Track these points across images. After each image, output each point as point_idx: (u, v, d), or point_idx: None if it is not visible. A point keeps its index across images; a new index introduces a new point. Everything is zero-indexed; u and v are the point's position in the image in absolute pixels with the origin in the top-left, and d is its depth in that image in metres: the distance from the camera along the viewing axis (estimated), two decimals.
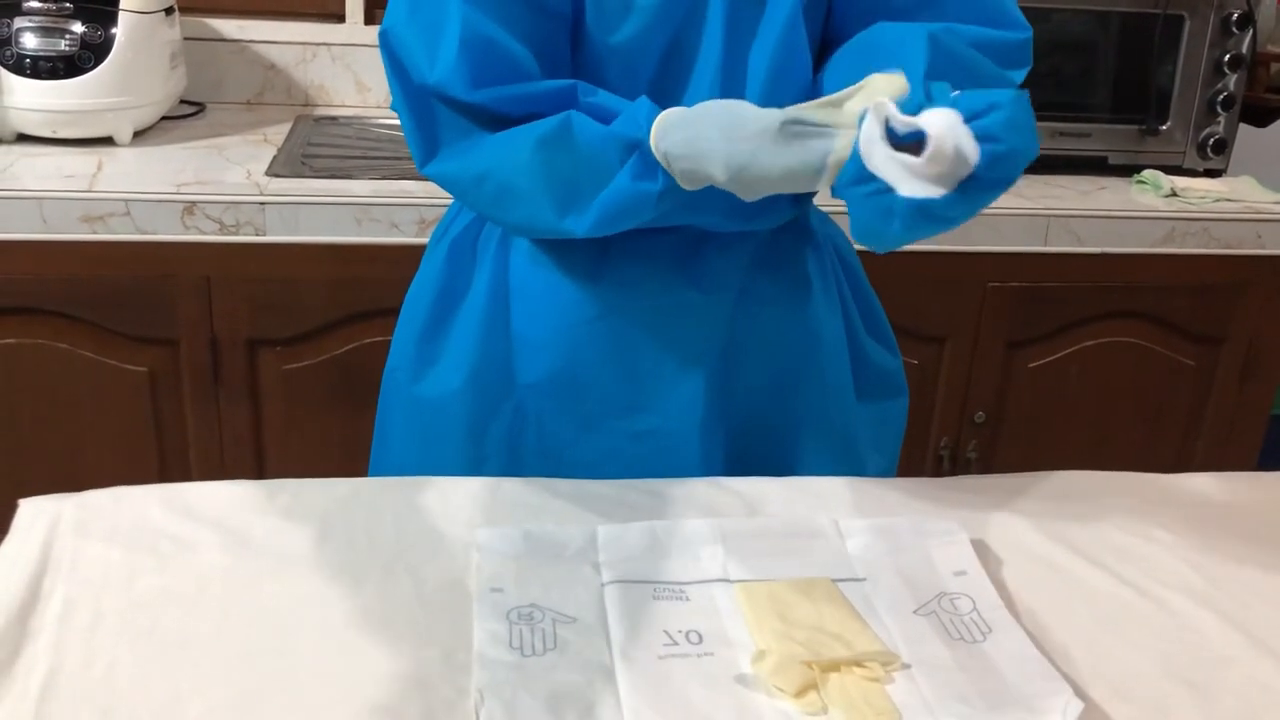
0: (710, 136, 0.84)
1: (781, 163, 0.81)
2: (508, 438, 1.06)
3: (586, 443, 1.05)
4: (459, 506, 0.93)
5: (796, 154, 0.81)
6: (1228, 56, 1.92)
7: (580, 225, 0.91)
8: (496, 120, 0.92)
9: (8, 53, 1.69)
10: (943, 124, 0.74)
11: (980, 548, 0.91)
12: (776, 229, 1.06)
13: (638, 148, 0.87)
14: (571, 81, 0.92)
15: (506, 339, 1.05)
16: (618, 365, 1.04)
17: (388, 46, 0.94)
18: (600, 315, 1.03)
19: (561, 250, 1.03)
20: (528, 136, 0.90)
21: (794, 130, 0.81)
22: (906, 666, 0.77)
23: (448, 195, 1.02)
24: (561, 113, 0.89)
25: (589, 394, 1.04)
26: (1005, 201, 1.76)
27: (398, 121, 2.06)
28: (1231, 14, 1.90)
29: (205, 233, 1.58)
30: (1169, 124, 1.96)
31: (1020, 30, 0.97)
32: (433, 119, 0.94)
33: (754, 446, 1.08)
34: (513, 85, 0.91)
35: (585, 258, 1.02)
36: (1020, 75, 0.97)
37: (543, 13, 0.93)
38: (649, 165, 0.87)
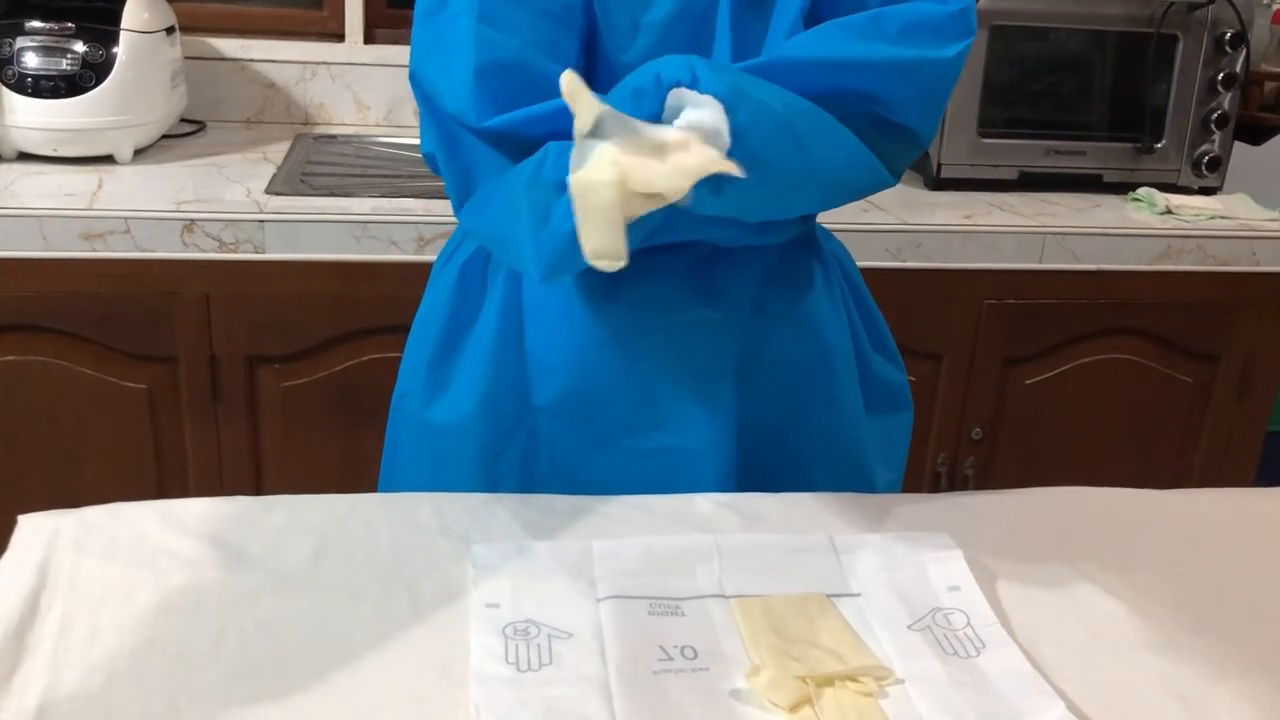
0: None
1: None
2: (522, 460, 1.06)
3: (600, 462, 1.05)
4: (455, 522, 0.93)
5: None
6: (1221, 75, 1.93)
7: (535, 268, 0.88)
8: (521, 147, 0.90)
9: (10, 72, 1.71)
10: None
11: (975, 563, 0.91)
12: (785, 244, 1.06)
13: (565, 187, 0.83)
14: None
15: (519, 362, 1.05)
16: (632, 384, 1.04)
17: (418, 86, 0.93)
18: (615, 335, 1.03)
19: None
20: (518, 180, 0.88)
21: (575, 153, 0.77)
22: (900, 681, 0.78)
23: (449, 215, 1.02)
24: (542, 148, 0.87)
25: (602, 413, 1.04)
26: (1002, 219, 1.79)
27: (396, 140, 2.09)
28: (1225, 33, 1.92)
29: (205, 250, 1.59)
30: (1164, 142, 1.98)
31: (954, 1, 0.95)
32: (464, 155, 0.93)
33: (767, 462, 1.08)
34: (526, 108, 0.89)
35: (600, 278, 1.01)
36: (955, 48, 0.94)
37: (558, 22, 0.92)
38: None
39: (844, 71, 0.91)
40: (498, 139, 0.91)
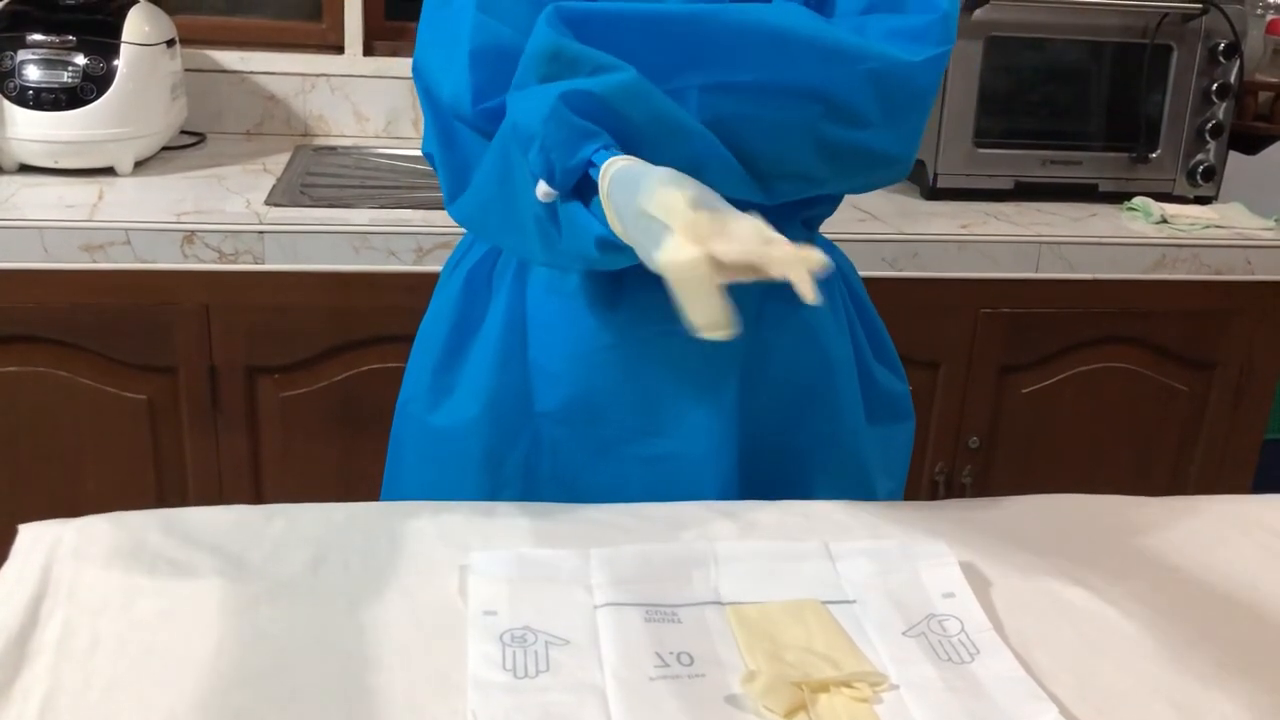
0: (618, 201, 0.79)
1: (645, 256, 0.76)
2: (524, 466, 1.07)
3: (601, 469, 1.05)
4: (453, 530, 0.94)
5: (641, 249, 0.76)
6: (1215, 85, 1.94)
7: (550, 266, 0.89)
8: None
9: (11, 84, 1.72)
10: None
11: (969, 570, 0.91)
12: None
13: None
14: None
15: (523, 368, 1.05)
16: (633, 391, 1.04)
17: (420, 78, 0.94)
18: (617, 342, 1.03)
19: (578, 278, 1.03)
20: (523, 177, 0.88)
21: (642, 225, 0.76)
22: (895, 687, 0.78)
23: (451, 225, 1.03)
24: None
25: (605, 420, 1.04)
26: (998, 228, 1.80)
27: (395, 151, 2.10)
28: (1219, 44, 1.93)
29: (204, 261, 1.59)
30: (1159, 152, 1.99)
31: (929, 11, 0.93)
32: (460, 148, 0.93)
33: (768, 470, 1.09)
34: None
35: (602, 285, 1.02)
36: (925, 53, 0.91)
37: None
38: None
39: (792, 50, 0.88)
40: (490, 129, 0.91)
